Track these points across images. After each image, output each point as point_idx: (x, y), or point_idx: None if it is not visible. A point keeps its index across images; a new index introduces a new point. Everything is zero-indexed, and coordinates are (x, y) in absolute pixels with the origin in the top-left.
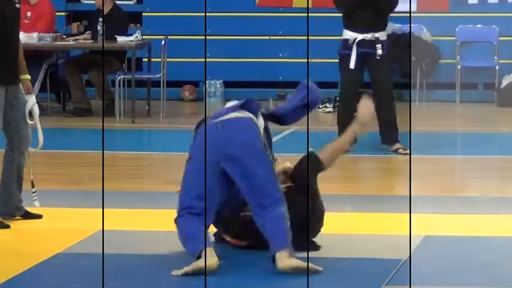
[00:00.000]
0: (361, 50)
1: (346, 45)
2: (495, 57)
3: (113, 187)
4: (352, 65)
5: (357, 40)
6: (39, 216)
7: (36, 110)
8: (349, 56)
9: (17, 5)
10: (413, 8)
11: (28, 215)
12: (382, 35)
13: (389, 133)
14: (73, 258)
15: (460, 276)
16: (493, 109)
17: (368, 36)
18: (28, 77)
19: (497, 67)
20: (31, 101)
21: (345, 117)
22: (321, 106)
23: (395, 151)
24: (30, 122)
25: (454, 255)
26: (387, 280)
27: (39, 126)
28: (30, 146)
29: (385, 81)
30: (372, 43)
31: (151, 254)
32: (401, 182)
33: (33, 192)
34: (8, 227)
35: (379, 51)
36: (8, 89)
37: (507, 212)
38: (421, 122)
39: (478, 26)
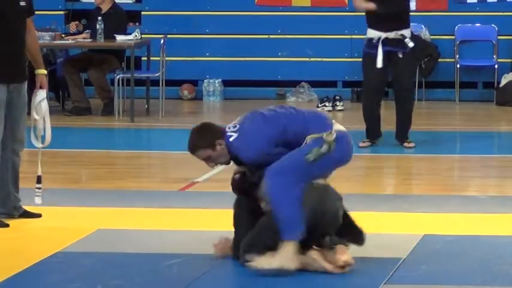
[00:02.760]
0: (385, 48)
1: (371, 44)
2: (494, 56)
3: (112, 186)
4: (379, 64)
5: (381, 39)
6: (38, 215)
7: (44, 106)
8: (372, 54)
9: (22, 3)
10: (413, 6)
11: (27, 214)
12: (406, 32)
13: (404, 130)
14: (72, 256)
15: (459, 274)
16: (492, 108)
17: (392, 34)
18: (43, 71)
19: (496, 66)
20: (40, 96)
21: (370, 115)
22: (320, 105)
23: (401, 144)
24: (36, 117)
25: (453, 254)
26: (386, 279)
27: (48, 123)
28: (40, 141)
29: (406, 79)
30: (397, 41)
31: (150, 252)
32: (400, 180)
33: (38, 189)
34: (7, 225)
35: (410, 44)
36: (10, 87)
37: (506, 210)
38: (421, 121)
39: (477, 25)
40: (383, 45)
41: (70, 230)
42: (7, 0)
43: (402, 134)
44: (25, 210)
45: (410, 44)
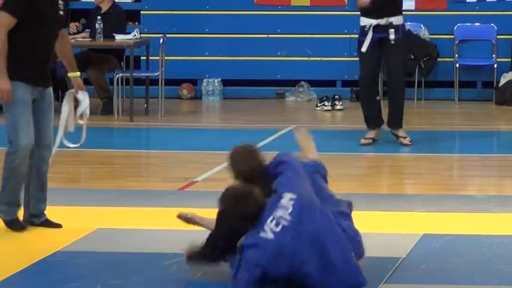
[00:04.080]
0: (376, 36)
1: (363, 31)
2: (493, 56)
3: (112, 185)
4: (364, 49)
5: (372, 25)
6: (58, 226)
7: (88, 113)
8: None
9: (61, 12)
10: (412, 6)
11: (48, 223)
12: (397, 20)
13: (396, 117)
14: (72, 256)
15: (459, 274)
16: (491, 107)
17: (383, 21)
18: (77, 73)
19: (495, 65)
20: (85, 103)
21: (365, 100)
22: (319, 104)
23: (397, 138)
24: (80, 122)
25: (452, 253)
26: (385, 279)
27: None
28: (71, 142)
29: (396, 66)
30: (386, 28)
31: (149, 252)
32: (399, 180)
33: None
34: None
35: (392, 36)
36: (33, 90)
37: (505, 210)
38: (420, 120)
39: (477, 24)
40: (374, 32)
41: (69, 229)
42: (51, 8)
43: (394, 120)
44: (47, 219)
45: (392, 36)
